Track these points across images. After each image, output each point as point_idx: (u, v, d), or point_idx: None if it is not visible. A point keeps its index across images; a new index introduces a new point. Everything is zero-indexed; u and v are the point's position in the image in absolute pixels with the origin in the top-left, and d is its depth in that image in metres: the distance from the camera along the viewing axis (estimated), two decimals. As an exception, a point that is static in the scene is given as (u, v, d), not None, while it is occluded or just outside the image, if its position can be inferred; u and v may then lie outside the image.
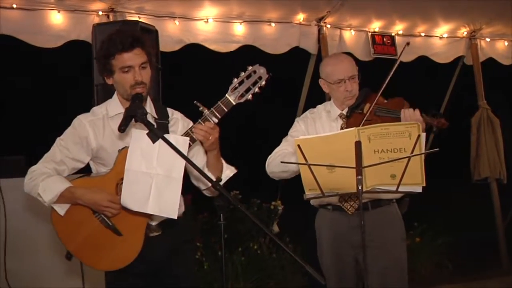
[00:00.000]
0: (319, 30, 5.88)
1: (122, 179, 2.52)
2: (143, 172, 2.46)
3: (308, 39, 5.82)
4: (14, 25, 4.52)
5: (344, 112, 3.27)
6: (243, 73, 2.66)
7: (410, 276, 5.73)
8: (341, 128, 3.21)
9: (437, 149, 2.61)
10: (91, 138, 2.68)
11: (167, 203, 2.47)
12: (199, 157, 2.78)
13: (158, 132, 2.44)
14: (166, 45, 4.97)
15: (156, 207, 2.47)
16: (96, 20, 4.76)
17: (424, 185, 2.65)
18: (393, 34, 6.24)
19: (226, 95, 2.62)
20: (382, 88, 3.15)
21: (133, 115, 2.44)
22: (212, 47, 5.39)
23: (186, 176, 2.61)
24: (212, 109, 2.60)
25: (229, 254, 5.33)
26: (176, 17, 5.18)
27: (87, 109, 2.83)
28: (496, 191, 6.68)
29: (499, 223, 6.63)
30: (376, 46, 6.08)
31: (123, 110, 2.59)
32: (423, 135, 2.61)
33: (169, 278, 2.77)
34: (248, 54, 5.28)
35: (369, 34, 6.11)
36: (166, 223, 2.72)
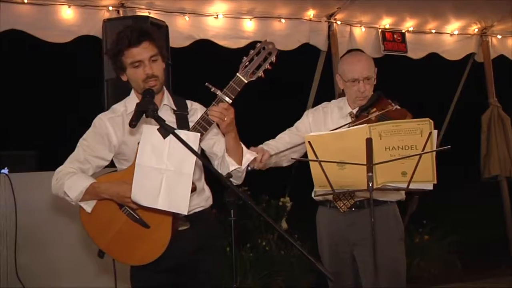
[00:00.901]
0: (329, 27, 5.87)
1: None
2: (154, 167, 2.45)
3: (318, 36, 5.81)
4: (25, 20, 4.55)
5: (354, 111, 3.27)
6: (252, 51, 2.63)
7: (419, 275, 5.77)
8: (348, 127, 3.19)
9: (449, 146, 2.59)
10: (112, 135, 2.71)
11: (177, 198, 2.46)
12: (220, 144, 2.77)
13: (169, 127, 2.43)
14: (176, 41, 4.98)
15: (166, 202, 2.46)
16: (106, 15, 4.78)
17: (436, 182, 2.63)
18: (403, 31, 6.21)
19: (237, 74, 2.59)
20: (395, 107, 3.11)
21: (144, 110, 2.44)
22: (222, 43, 5.39)
23: (208, 169, 2.58)
24: (224, 89, 2.57)
25: (238, 250, 5.33)
26: (186, 13, 5.19)
27: (98, 104, 2.84)
28: (506, 189, 6.65)
29: (509, 221, 6.60)
30: (386, 43, 6.06)
31: None
32: (435, 132, 2.59)
33: (199, 274, 2.76)
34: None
35: (379, 30, 6.08)
36: (194, 216, 2.73)
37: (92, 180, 2.62)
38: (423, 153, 2.56)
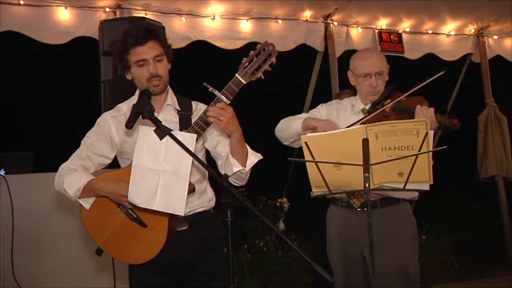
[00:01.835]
0: (326, 27, 5.88)
1: None
2: (150, 168, 2.45)
3: (315, 36, 5.82)
4: (21, 21, 4.55)
5: (367, 107, 3.25)
6: (252, 52, 2.61)
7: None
8: (362, 123, 3.15)
9: (445, 146, 2.58)
10: (114, 133, 2.72)
11: (174, 199, 2.46)
12: (223, 145, 2.77)
13: (165, 128, 2.42)
14: (173, 42, 4.90)
15: (163, 203, 2.46)
16: (103, 16, 4.78)
17: (432, 183, 2.63)
18: (400, 32, 6.22)
19: (236, 74, 2.56)
20: (411, 91, 3.10)
21: (140, 111, 2.43)
22: (219, 44, 5.40)
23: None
24: (223, 90, 2.55)
25: (235, 251, 5.31)
26: (182, 14, 5.19)
27: (95, 105, 2.84)
28: (503, 189, 6.67)
29: (506, 221, 6.61)
30: (383, 44, 6.07)
31: None
32: (431, 132, 2.59)
33: (200, 275, 2.75)
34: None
35: (376, 31, 6.10)
36: (195, 217, 2.73)
37: (90, 177, 2.63)
38: (420, 154, 2.56)
